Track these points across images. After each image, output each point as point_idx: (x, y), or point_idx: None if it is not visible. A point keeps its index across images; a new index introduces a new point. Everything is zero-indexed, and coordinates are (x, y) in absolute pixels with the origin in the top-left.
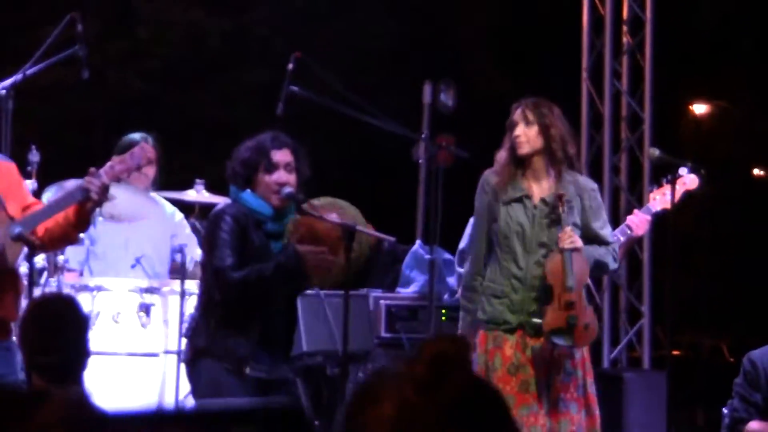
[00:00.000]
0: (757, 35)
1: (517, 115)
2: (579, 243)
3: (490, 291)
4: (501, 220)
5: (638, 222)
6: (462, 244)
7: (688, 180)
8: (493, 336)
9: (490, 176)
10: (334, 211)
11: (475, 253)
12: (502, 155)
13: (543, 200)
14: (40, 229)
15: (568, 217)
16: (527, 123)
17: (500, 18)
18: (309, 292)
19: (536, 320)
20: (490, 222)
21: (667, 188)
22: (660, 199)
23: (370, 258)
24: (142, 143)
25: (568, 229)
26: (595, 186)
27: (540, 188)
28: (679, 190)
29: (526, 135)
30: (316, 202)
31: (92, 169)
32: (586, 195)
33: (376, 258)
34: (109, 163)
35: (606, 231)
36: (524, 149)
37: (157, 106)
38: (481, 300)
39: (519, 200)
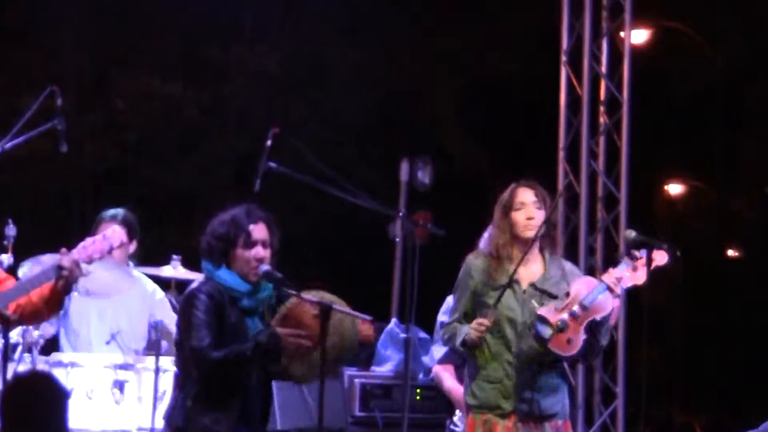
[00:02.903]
0: (730, 116)
1: (528, 196)
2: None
3: (482, 376)
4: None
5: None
6: (441, 317)
7: (657, 256)
8: (483, 420)
9: (477, 260)
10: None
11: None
12: (496, 236)
13: (532, 285)
14: (12, 305)
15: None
16: (539, 207)
17: (478, 96)
18: None
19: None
20: (477, 305)
21: (636, 264)
22: (630, 276)
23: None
24: (114, 225)
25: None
26: (578, 271)
27: (528, 272)
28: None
29: (539, 219)
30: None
31: (64, 250)
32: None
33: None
34: (82, 244)
35: None
36: (533, 233)
37: (134, 178)
38: (470, 384)
39: (508, 285)
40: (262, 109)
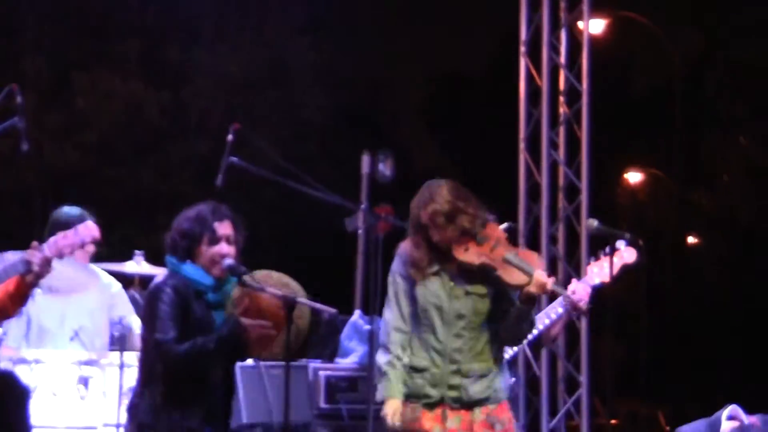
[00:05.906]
0: (688, 106)
1: (444, 208)
2: None
3: (411, 365)
4: (419, 294)
5: (581, 294)
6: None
7: (626, 254)
8: (411, 408)
9: (405, 259)
10: (275, 284)
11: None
12: (417, 247)
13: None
14: None
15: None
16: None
17: (438, 89)
18: (249, 363)
19: None
20: (410, 294)
21: (604, 261)
22: (598, 272)
23: (310, 331)
24: (87, 221)
25: None
26: None
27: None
28: (617, 263)
29: (451, 233)
30: (258, 273)
31: (35, 243)
32: None
33: (316, 329)
34: (52, 238)
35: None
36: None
37: (96, 177)
38: (401, 373)
39: (436, 273)
40: (222, 110)
